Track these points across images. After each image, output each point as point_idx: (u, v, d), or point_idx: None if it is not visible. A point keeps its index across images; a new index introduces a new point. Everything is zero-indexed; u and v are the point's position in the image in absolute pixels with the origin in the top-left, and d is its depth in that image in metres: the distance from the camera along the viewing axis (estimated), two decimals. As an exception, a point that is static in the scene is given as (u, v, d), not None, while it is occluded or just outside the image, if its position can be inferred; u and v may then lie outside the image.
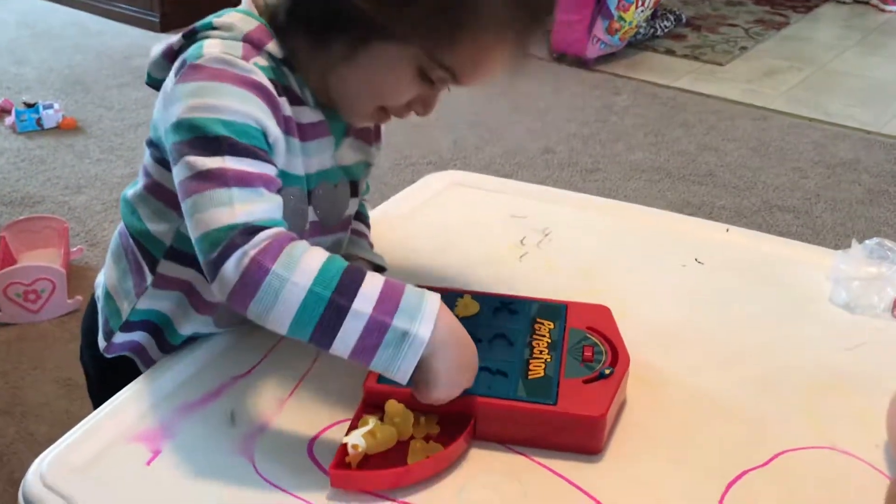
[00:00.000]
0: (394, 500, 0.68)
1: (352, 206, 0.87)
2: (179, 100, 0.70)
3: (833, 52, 3.58)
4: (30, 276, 1.81)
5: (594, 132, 2.83)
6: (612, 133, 2.82)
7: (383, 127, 0.90)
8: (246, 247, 0.64)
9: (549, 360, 0.77)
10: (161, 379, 0.80)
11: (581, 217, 1.09)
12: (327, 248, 0.86)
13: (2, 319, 1.85)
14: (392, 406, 0.72)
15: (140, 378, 0.80)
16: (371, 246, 0.95)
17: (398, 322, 0.65)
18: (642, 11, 3.28)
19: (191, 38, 0.75)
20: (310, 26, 0.72)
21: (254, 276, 0.63)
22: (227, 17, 0.75)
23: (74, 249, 2.05)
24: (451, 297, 0.84)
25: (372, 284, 0.66)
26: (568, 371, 0.75)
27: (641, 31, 3.45)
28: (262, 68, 0.72)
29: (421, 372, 0.67)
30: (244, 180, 0.67)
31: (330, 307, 0.64)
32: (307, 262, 0.65)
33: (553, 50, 3.39)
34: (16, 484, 0.72)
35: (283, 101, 0.74)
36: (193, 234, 0.67)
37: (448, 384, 0.68)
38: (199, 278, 0.80)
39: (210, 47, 0.72)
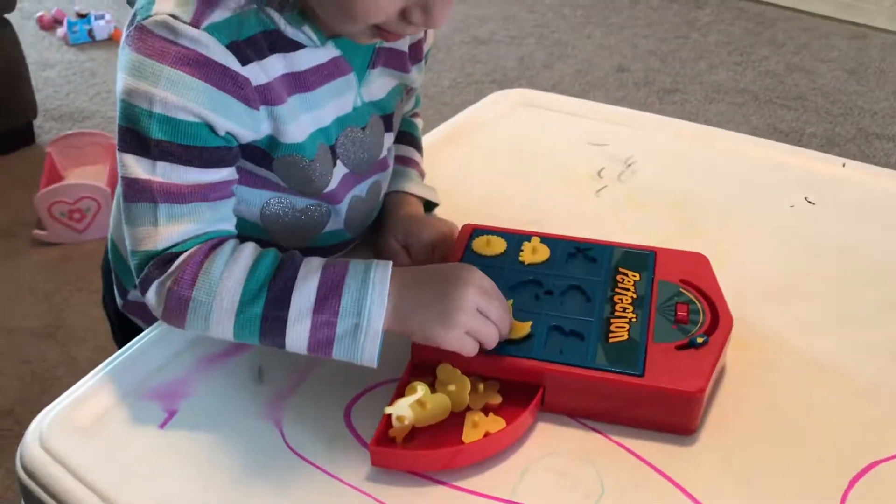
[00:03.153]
0: (443, 483, 0.57)
1: (387, 142, 0.74)
2: (123, 68, 0.59)
3: (943, -38, 3.24)
4: (74, 195, 1.74)
5: (673, 49, 2.62)
6: (693, 51, 2.61)
7: (430, 40, 0.76)
8: (162, 278, 0.59)
9: (633, 319, 0.64)
10: (175, 331, 0.69)
11: (669, 145, 0.94)
12: (365, 194, 0.73)
13: (47, 239, 1.79)
14: (445, 370, 0.61)
15: (158, 323, 0.70)
16: (422, 175, 0.82)
17: (343, 320, 0.58)
18: (731, -84, 3.00)
19: None
20: None
21: (175, 306, 0.60)
22: None
23: (122, 167, 1.97)
24: (515, 239, 0.72)
25: (305, 284, 0.58)
26: (658, 334, 0.63)
27: (728, -62, 3.17)
28: (221, 26, 0.58)
29: (411, 335, 0.60)
30: (173, 195, 0.59)
31: (266, 322, 0.59)
32: (227, 280, 0.59)
33: (630, -41, 3.14)
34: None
35: (252, 68, 0.60)
36: (127, 245, 0.62)
37: (444, 331, 0.59)
38: None
39: (162, 3, 0.58)
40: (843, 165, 0.91)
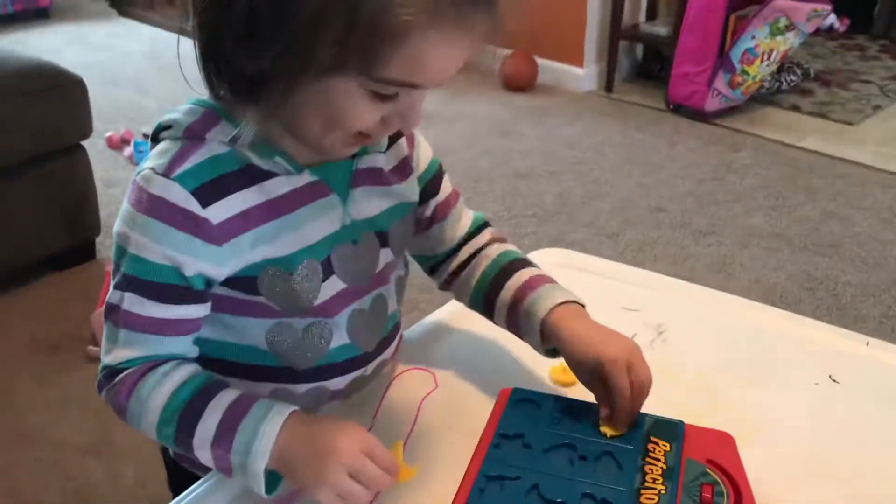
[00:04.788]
0: None
1: (383, 258, 0.80)
2: (119, 215, 0.71)
3: (978, 114, 3.32)
4: (129, 315, 1.83)
5: (710, 191, 2.69)
6: (729, 193, 2.68)
7: (416, 155, 0.82)
8: (108, 386, 0.72)
9: (663, 491, 0.68)
10: (230, 480, 0.74)
11: (701, 314, 0.99)
12: (367, 309, 0.80)
13: (99, 355, 1.87)
14: None
15: (208, 477, 0.75)
16: (543, 283, 0.84)
17: (235, 457, 0.68)
18: (768, 66, 3.13)
19: (155, 140, 0.73)
20: (236, 93, 0.66)
21: (118, 409, 0.73)
22: (179, 109, 0.71)
23: (175, 287, 2.06)
24: (551, 402, 0.76)
25: (210, 418, 0.69)
26: None
27: (766, 84, 3.29)
28: (191, 172, 0.68)
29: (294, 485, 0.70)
30: (131, 324, 0.70)
31: (178, 443, 0.71)
32: (152, 400, 0.70)
33: (670, 101, 3.27)
34: (98, 528, 0.70)
35: (214, 208, 0.68)
36: None
37: (315, 491, 0.67)
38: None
39: (150, 159, 0.70)
40: (868, 344, 0.95)
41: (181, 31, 0.70)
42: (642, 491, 0.68)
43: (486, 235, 0.89)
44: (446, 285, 0.89)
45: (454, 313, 0.98)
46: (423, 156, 0.84)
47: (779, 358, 0.92)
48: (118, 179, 2.71)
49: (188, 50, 0.69)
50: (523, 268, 0.85)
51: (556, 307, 0.80)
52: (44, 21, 4.36)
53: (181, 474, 0.83)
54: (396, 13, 0.59)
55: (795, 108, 3.30)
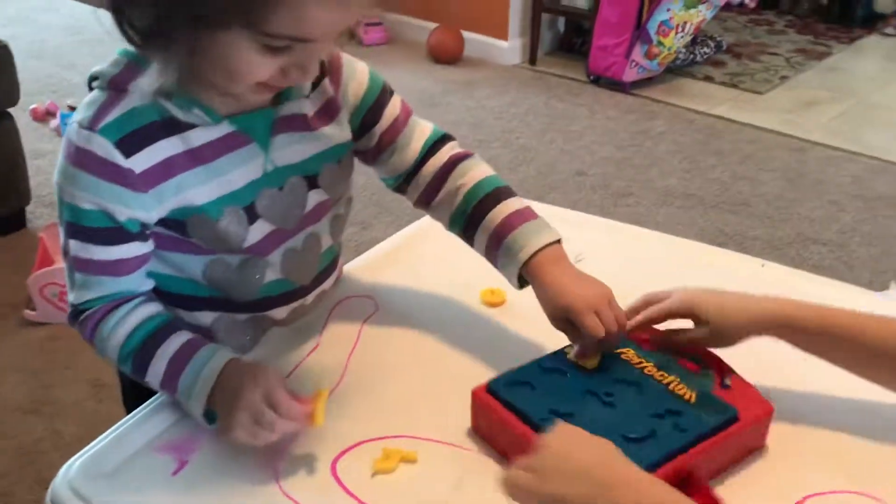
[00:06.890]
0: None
1: (312, 199, 0.83)
2: (57, 165, 0.75)
3: (875, 84, 3.53)
4: (64, 278, 1.84)
5: (628, 156, 2.82)
6: (646, 158, 2.81)
7: (343, 93, 0.83)
8: (77, 322, 0.79)
9: (677, 379, 0.77)
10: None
11: (615, 244, 1.09)
12: (300, 247, 0.84)
13: (36, 318, 1.88)
14: None
15: (157, 397, 0.81)
16: (525, 220, 0.85)
17: (180, 398, 0.76)
18: (682, 37, 3.27)
19: (91, 89, 0.76)
20: (145, 44, 0.68)
21: (88, 341, 0.79)
22: (108, 62, 0.75)
23: (109, 253, 2.07)
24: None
25: (158, 363, 0.76)
26: (699, 387, 0.77)
27: (681, 56, 3.44)
28: (114, 124, 0.71)
29: None
30: (84, 268, 0.77)
31: (136, 378, 0.78)
32: (111, 340, 0.77)
33: (590, 72, 3.39)
34: (43, 483, 0.74)
35: (137, 158, 0.72)
36: None
37: (227, 435, 0.72)
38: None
39: (79, 110, 0.74)
40: (763, 266, 1.06)
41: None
42: (673, 388, 0.76)
43: (444, 153, 0.89)
44: (421, 206, 0.90)
45: (392, 248, 1.06)
46: (355, 91, 0.84)
47: (683, 278, 1.01)
48: (44, 151, 2.68)
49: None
50: (500, 202, 0.85)
51: (536, 253, 0.82)
52: (-45, -6, 4.23)
53: (136, 390, 0.88)
54: None
55: (708, 79, 3.46)
